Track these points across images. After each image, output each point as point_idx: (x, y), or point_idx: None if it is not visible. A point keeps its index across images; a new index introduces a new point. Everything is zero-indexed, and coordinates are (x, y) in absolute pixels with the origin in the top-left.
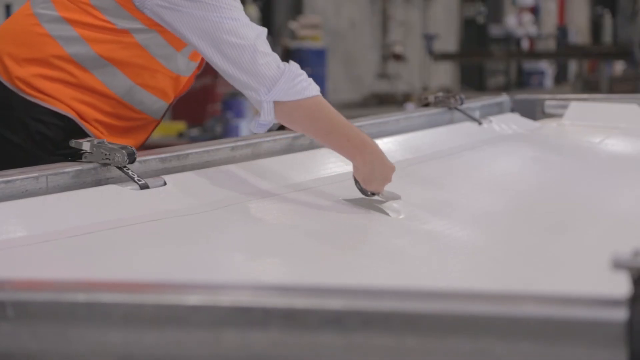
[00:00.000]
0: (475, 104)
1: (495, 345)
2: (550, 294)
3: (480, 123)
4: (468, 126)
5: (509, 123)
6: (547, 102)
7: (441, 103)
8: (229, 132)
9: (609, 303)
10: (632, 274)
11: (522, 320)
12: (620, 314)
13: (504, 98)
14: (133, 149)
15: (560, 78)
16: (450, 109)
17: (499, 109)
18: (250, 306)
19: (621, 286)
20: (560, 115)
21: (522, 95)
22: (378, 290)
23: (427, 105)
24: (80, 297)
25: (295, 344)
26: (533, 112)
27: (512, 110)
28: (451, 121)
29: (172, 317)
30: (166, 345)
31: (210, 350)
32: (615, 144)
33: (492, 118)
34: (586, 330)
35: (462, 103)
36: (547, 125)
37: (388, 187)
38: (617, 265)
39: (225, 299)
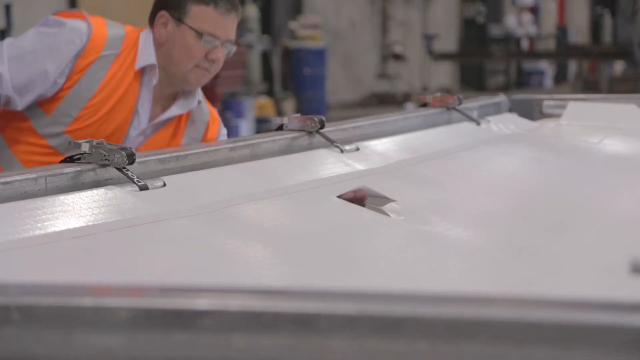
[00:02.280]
0: (473, 104)
1: (509, 350)
2: (565, 298)
3: (478, 123)
4: (466, 126)
5: (507, 123)
6: (545, 102)
7: (439, 103)
8: (228, 132)
9: (627, 308)
10: None
11: (536, 325)
12: (638, 319)
13: (501, 98)
14: (132, 149)
15: (560, 78)
16: (448, 109)
17: (496, 109)
18: (260, 310)
19: (621, 286)
20: (558, 116)
21: (520, 95)
22: (390, 295)
23: (424, 105)
24: (87, 301)
25: (305, 349)
26: (531, 112)
27: (510, 110)
28: (449, 121)
29: (180, 322)
30: (174, 351)
31: (219, 355)
32: (614, 144)
33: (490, 118)
34: (603, 335)
35: (460, 103)
36: (545, 126)
37: (386, 188)
38: (636, 268)
39: (235, 303)
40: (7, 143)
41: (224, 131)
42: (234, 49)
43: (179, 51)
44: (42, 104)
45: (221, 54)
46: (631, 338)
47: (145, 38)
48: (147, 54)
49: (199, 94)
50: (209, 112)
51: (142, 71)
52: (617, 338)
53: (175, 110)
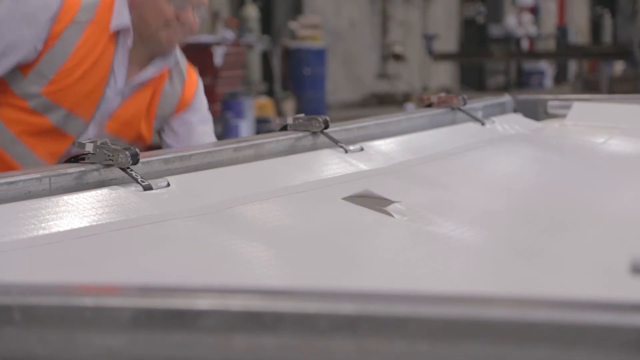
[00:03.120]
0: (478, 104)
1: (510, 350)
2: (566, 298)
3: (483, 123)
4: (471, 126)
5: (512, 123)
6: (550, 103)
7: (444, 103)
8: (228, 132)
9: (627, 308)
10: None
11: (537, 325)
12: (638, 319)
13: (506, 98)
14: (136, 149)
15: (560, 78)
16: (452, 109)
17: (501, 110)
18: (261, 310)
19: (623, 286)
20: (563, 116)
21: (524, 96)
22: (391, 295)
23: (429, 105)
24: (88, 301)
25: (306, 349)
26: (536, 112)
27: (515, 110)
28: (453, 122)
29: (181, 322)
30: (175, 351)
31: (220, 355)
32: (619, 145)
33: (494, 118)
34: (604, 335)
35: (464, 103)
36: (549, 126)
37: (390, 189)
38: (636, 268)
39: (236, 303)
40: None
41: (203, 100)
42: (205, 13)
43: (149, 11)
44: (19, 66)
45: (192, 17)
46: (632, 338)
47: (120, 1)
48: (121, 16)
49: (178, 55)
50: (187, 72)
51: (117, 34)
52: (617, 338)
53: (151, 70)
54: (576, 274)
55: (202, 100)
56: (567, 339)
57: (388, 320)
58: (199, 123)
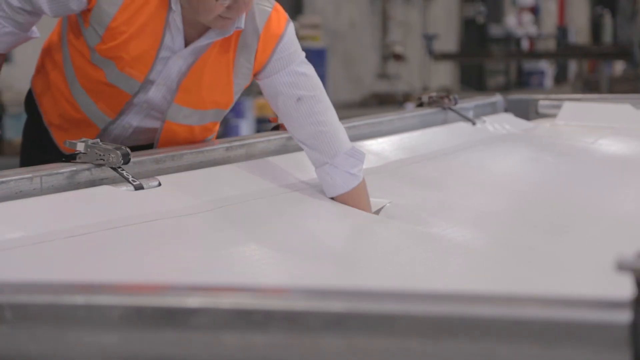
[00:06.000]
0: (468, 104)
1: (498, 347)
2: (554, 296)
3: (474, 123)
4: (462, 126)
5: (503, 123)
6: (541, 102)
7: (435, 103)
8: (229, 132)
9: (613, 305)
10: (636, 275)
11: (525, 323)
12: (624, 316)
13: (497, 98)
14: (127, 149)
15: (560, 78)
16: (444, 109)
17: (492, 109)
18: (251, 309)
19: (618, 286)
20: (554, 116)
21: (515, 95)
22: (380, 293)
23: (420, 105)
24: (79, 299)
25: (296, 346)
26: (527, 112)
27: (506, 110)
28: (445, 121)
29: (171, 320)
30: (166, 348)
31: (210, 353)
32: (609, 144)
33: (485, 118)
34: (590, 332)
35: (456, 103)
36: (540, 126)
37: (382, 189)
38: (621, 266)
39: (226, 302)
40: (74, 69)
41: (288, 50)
42: None
43: (196, 3)
44: (83, 15)
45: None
46: (617, 335)
47: None
48: None
49: (242, 21)
50: (266, 25)
51: None
52: (604, 335)
53: (212, 35)
54: (571, 273)
55: (285, 54)
56: (554, 336)
57: (377, 317)
58: (287, 77)
